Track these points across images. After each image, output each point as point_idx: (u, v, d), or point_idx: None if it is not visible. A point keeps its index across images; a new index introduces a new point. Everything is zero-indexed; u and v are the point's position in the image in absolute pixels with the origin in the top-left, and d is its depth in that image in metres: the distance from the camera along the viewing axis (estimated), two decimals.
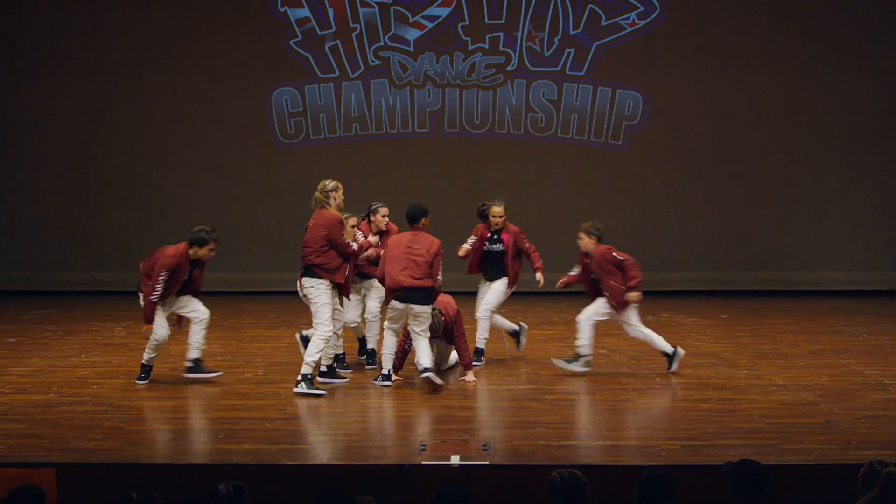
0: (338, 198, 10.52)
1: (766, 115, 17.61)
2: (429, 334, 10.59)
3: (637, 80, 17.59)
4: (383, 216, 11.48)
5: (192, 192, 17.51)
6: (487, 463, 8.17)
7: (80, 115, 17.63)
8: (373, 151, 17.68)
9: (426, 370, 10.39)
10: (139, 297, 10.75)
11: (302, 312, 12.34)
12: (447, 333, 10.83)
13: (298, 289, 10.60)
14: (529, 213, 15.81)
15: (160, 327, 10.74)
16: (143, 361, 10.89)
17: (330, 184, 10.53)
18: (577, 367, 11.12)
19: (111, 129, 17.67)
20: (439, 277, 10.63)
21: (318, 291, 10.38)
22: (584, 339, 11.14)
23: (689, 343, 13.08)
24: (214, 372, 10.96)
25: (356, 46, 17.59)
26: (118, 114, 17.64)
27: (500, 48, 17.59)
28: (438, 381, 10.41)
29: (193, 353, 10.88)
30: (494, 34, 17.58)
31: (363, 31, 17.55)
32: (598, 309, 11.20)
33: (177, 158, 17.60)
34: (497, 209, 11.73)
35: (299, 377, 10.33)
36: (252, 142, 17.69)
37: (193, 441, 8.97)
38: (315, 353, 10.32)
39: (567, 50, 17.55)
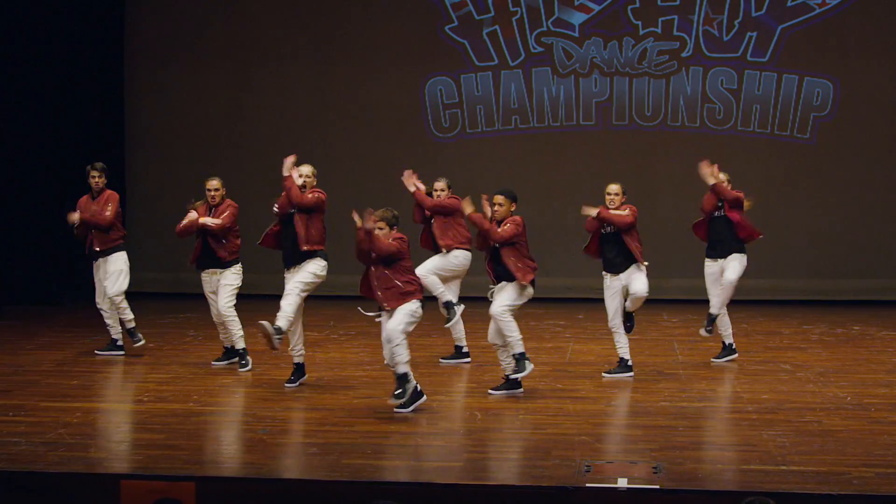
0: None
1: None
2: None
3: (827, 67, 17.30)
4: (434, 189, 12.94)
5: (337, 189, 17.69)
6: (658, 487, 8.08)
7: (221, 106, 18.12)
8: (534, 146, 17.74)
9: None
10: None
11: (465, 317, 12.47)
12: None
13: None
14: None
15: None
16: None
17: None
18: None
19: (253, 120, 18.09)
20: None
21: None
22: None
23: (885, 358, 12.76)
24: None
25: (517, 32, 17.64)
26: (261, 104, 18.04)
27: (674, 32, 17.46)
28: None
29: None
30: (668, 17, 17.45)
31: (524, 15, 17.60)
32: None
33: (322, 151, 17.84)
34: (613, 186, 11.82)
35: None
36: (404, 135, 17.91)
37: (340, 456, 9.01)
38: None
39: (749, 34, 17.33)
